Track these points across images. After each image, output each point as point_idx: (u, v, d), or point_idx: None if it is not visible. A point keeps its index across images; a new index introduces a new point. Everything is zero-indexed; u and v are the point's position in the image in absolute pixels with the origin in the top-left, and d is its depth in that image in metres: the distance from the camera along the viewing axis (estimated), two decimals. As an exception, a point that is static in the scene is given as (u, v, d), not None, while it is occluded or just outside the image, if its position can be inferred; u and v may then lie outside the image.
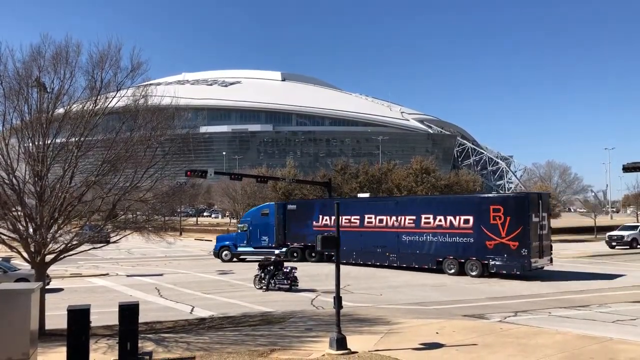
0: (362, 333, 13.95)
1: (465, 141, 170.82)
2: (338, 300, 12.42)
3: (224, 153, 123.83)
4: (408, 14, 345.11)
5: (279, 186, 63.70)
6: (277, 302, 20.04)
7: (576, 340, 12.74)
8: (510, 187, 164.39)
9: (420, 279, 26.70)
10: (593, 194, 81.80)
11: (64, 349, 11.00)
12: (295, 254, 36.65)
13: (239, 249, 37.91)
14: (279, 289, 22.78)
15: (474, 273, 27.82)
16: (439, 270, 29.08)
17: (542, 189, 59.14)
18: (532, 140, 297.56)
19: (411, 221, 31.01)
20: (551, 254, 28.92)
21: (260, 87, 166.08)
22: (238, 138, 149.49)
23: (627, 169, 31.23)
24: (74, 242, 14.86)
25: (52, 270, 19.36)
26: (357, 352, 11.91)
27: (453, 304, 19.43)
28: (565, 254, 40.37)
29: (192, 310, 18.82)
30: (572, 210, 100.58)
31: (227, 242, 38.61)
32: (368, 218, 33.13)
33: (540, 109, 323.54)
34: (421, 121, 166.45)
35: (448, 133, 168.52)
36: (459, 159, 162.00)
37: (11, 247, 14.66)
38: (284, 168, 77.00)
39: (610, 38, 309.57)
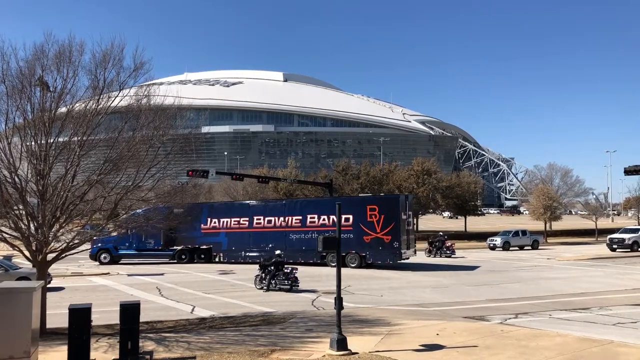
0: (362, 334, 13.95)
1: (466, 143, 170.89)
2: (339, 301, 12.42)
3: (225, 153, 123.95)
4: (409, 16, 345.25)
5: (281, 186, 63.79)
6: (278, 302, 20.04)
7: (577, 343, 12.72)
8: (512, 189, 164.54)
9: (421, 281, 26.71)
10: (594, 196, 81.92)
11: (65, 348, 11.02)
12: (183, 256, 37.37)
13: (121, 252, 37.55)
14: (280, 290, 22.78)
15: (353, 265, 32.05)
16: (323, 264, 32.59)
17: (543, 192, 59.28)
18: (534, 142, 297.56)
19: (298, 221, 34.38)
20: (415, 246, 34.48)
21: (262, 88, 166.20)
22: (240, 138, 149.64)
23: (629, 171, 31.20)
24: (76, 241, 14.88)
25: (53, 269, 19.39)
26: (357, 353, 11.90)
27: (453, 305, 19.42)
28: (565, 257, 40.33)
29: (192, 310, 18.83)
30: (574, 212, 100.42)
31: (106, 245, 37.36)
32: (257, 219, 35.69)
33: (542, 111, 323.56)
34: (423, 123, 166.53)
35: (449, 135, 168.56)
36: (460, 161, 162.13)
37: (13, 246, 14.68)
38: (285, 168, 77.13)
39: (612, 40, 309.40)
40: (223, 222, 36.97)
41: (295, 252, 33.76)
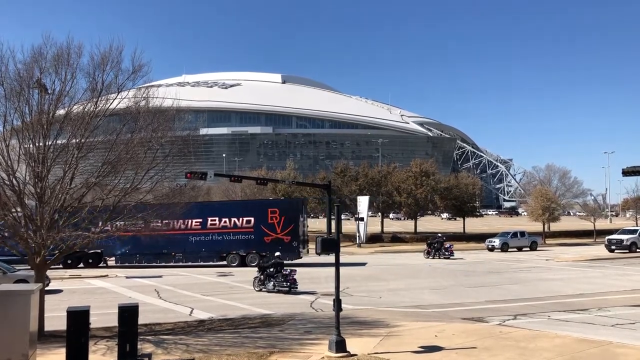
0: (361, 336, 13.94)
1: (464, 144, 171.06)
2: (337, 303, 12.41)
3: (224, 155, 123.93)
4: (407, 17, 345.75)
5: (279, 188, 63.77)
6: (277, 304, 20.03)
7: (575, 344, 12.74)
8: (510, 191, 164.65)
9: (419, 282, 26.71)
10: (592, 197, 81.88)
11: (63, 350, 10.99)
12: (69, 261, 35.18)
13: None
14: (279, 291, 22.76)
15: (253, 264, 32.86)
16: (223, 265, 34.24)
17: (541, 193, 59.34)
18: (532, 143, 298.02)
19: (198, 224, 35.08)
20: (308, 246, 36.37)
21: (260, 90, 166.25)
22: (238, 140, 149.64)
23: (627, 172, 31.16)
24: (74, 244, 14.86)
25: (51, 271, 19.34)
26: (356, 355, 11.90)
27: (452, 306, 19.43)
28: (564, 258, 40.34)
29: (191, 312, 18.81)
30: (572, 214, 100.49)
31: None
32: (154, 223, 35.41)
33: (541, 113, 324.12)
34: (421, 124, 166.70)
35: (448, 136, 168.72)
36: (459, 162, 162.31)
37: (11, 248, 14.66)
38: (283, 170, 77.18)
39: (610, 41, 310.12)
40: (115, 224, 36.52)
41: (194, 254, 34.90)
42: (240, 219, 34.83)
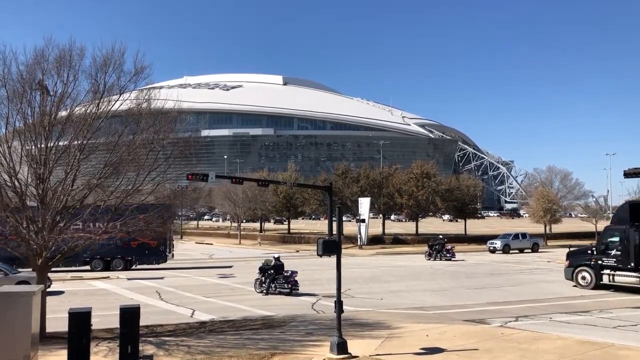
0: (363, 337, 13.93)
1: (466, 146, 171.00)
2: (339, 305, 12.41)
3: (225, 156, 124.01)
4: (408, 19, 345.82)
5: (280, 190, 63.82)
6: (278, 306, 20.03)
7: (577, 346, 12.72)
8: (511, 192, 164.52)
9: (421, 284, 26.69)
10: (594, 199, 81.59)
11: (64, 352, 11.00)
12: None
13: None
14: (280, 293, 22.76)
15: (119, 268, 34.24)
16: (86, 269, 33.80)
17: (543, 194, 59.31)
18: (533, 145, 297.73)
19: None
20: (174, 250, 37.64)
21: (262, 91, 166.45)
22: (239, 142, 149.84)
23: (628, 174, 31.13)
24: (75, 245, 14.88)
25: (53, 273, 19.35)
26: (357, 357, 11.90)
27: (454, 308, 19.41)
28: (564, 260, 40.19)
29: (192, 313, 18.82)
30: (573, 215, 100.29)
31: None
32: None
33: (541, 114, 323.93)
34: (422, 126, 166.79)
35: (449, 138, 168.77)
36: (460, 164, 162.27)
37: (12, 249, 14.67)
38: (285, 172, 77.20)
39: (611, 42, 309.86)
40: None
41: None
42: (106, 224, 34.39)
